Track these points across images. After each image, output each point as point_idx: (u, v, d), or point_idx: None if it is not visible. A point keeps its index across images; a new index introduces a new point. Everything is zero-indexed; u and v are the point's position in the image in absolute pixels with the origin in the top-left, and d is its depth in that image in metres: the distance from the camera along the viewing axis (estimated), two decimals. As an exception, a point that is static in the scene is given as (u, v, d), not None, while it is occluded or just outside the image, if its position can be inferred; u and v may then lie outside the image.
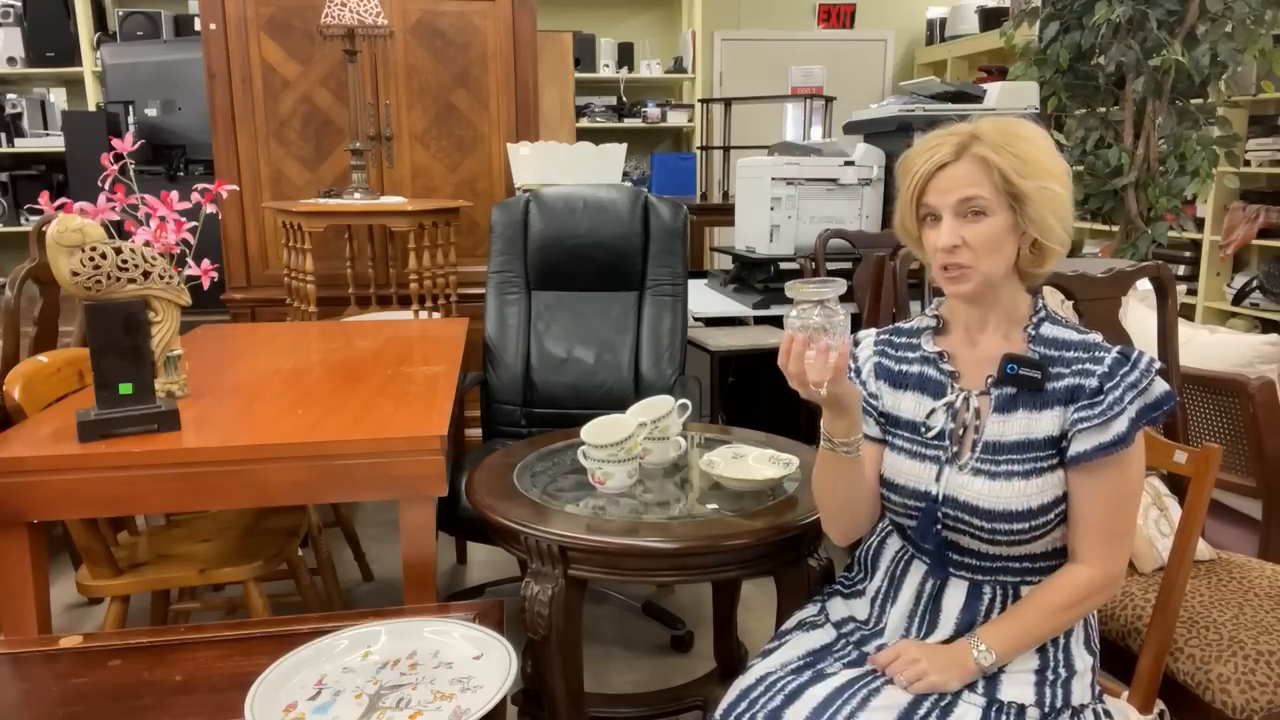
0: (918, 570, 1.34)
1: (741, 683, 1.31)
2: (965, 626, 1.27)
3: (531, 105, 3.76)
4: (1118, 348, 1.24)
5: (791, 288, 1.19)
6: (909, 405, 1.33)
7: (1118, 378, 1.20)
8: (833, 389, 1.18)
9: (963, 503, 1.25)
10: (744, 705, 1.26)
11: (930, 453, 1.30)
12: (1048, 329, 1.28)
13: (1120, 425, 1.19)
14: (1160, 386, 1.21)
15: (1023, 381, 1.24)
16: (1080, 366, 1.23)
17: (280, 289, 3.34)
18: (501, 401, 2.67)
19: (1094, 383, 1.21)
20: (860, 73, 6.55)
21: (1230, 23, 3.39)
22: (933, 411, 1.30)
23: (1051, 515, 1.23)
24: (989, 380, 1.28)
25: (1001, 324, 1.29)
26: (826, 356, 1.15)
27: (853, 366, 1.39)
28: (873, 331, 1.42)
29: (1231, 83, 3.86)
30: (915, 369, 1.34)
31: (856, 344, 1.41)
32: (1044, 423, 1.24)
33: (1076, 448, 1.21)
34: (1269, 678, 1.44)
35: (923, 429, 1.31)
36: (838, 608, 1.42)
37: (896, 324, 1.41)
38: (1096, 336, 1.26)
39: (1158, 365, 1.22)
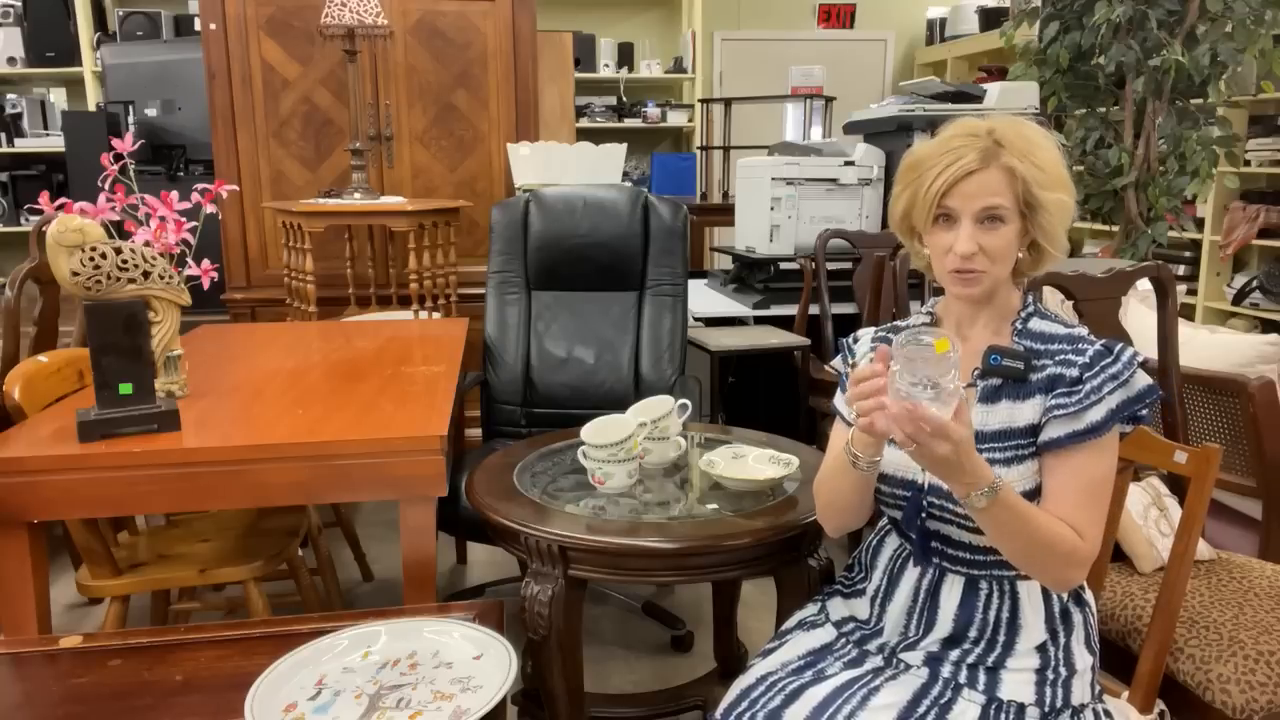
0: (915, 568, 1.34)
1: (742, 682, 1.32)
2: (964, 623, 1.27)
3: (531, 105, 3.76)
4: (1102, 340, 1.25)
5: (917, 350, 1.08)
6: None
7: (1098, 368, 1.22)
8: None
9: (946, 491, 1.24)
10: (744, 704, 1.26)
11: None
12: (1035, 323, 1.30)
13: (1095, 414, 1.20)
14: (1142, 380, 1.22)
15: (1006, 372, 1.25)
16: (1063, 357, 1.24)
17: (280, 289, 3.34)
18: (501, 401, 2.67)
19: (1074, 372, 1.22)
20: (860, 73, 6.54)
21: (1230, 23, 3.39)
22: None
23: (1034, 503, 1.24)
24: (975, 372, 1.29)
25: (992, 320, 1.31)
26: (879, 413, 1.09)
27: (851, 363, 1.41)
28: (871, 329, 1.43)
29: (1231, 83, 3.86)
30: None
31: (855, 341, 1.43)
32: (1025, 411, 1.25)
33: (1049, 434, 1.22)
34: (1269, 678, 1.44)
35: None
36: (838, 607, 1.42)
37: (894, 322, 1.43)
38: (1082, 330, 1.28)
39: (1141, 358, 1.23)
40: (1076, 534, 1.20)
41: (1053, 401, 1.22)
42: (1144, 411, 1.23)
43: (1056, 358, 1.25)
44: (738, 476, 1.73)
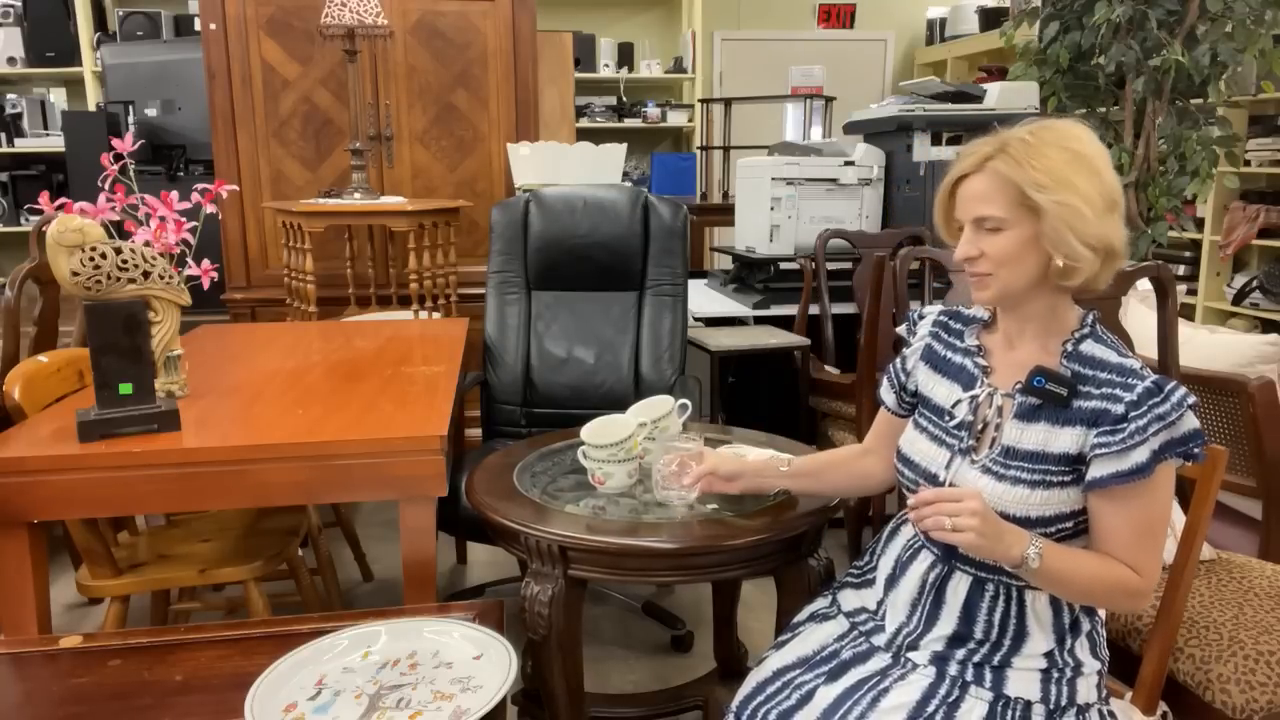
0: (925, 559, 1.33)
1: (757, 675, 1.33)
2: (967, 622, 1.27)
3: (531, 105, 3.76)
4: (1154, 377, 1.19)
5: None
6: (943, 391, 1.36)
7: (1145, 407, 1.17)
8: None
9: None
10: (760, 699, 1.28)
11: (949, 440, 1.32)
12: (1088, 346, 1.25)
13: (1140, 455, 1.16)
14: (1190, 423, 1.17)
15: (1047, 395, 1.23)
16: (1110, 390, 1.20)
17: (280, 289, 3.34)
18: (501, 401, 2.66)
19: (1120, 409, 1.18)
20: (860, 73, 6.55)
21: (1230, 23, 3.39)
22: (959, 401, 1.32)
23: (1053, 529, 1.22)
24: (1016, 386, 1.27)
25: (1039, 334, 1.29)
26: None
27: (911, 330, 1.45)
28: (937, 309, 1.44)
29: (1231, 83, 3.86)
30: (957, 359, 1.37)
31: (921, 318, 1.45)
32: (1063, 439, 1.22)
33: (1094, 473, 1.19)
34: (1269, 678, 1.44)
35: (947, 416, 1.33)
36: (849, 598, 1.43)
37: (959, 309, 1.42)
38: (1135, 362, 1.22)
39: (1191, 400, 1.18)
40: (1134, 571, 1.19)
41: (1096, 439, 1.19)
42: (1196, 450, 1.18)
43: (1104, 389, 1.20)
44: (738, 476, 1.73)
